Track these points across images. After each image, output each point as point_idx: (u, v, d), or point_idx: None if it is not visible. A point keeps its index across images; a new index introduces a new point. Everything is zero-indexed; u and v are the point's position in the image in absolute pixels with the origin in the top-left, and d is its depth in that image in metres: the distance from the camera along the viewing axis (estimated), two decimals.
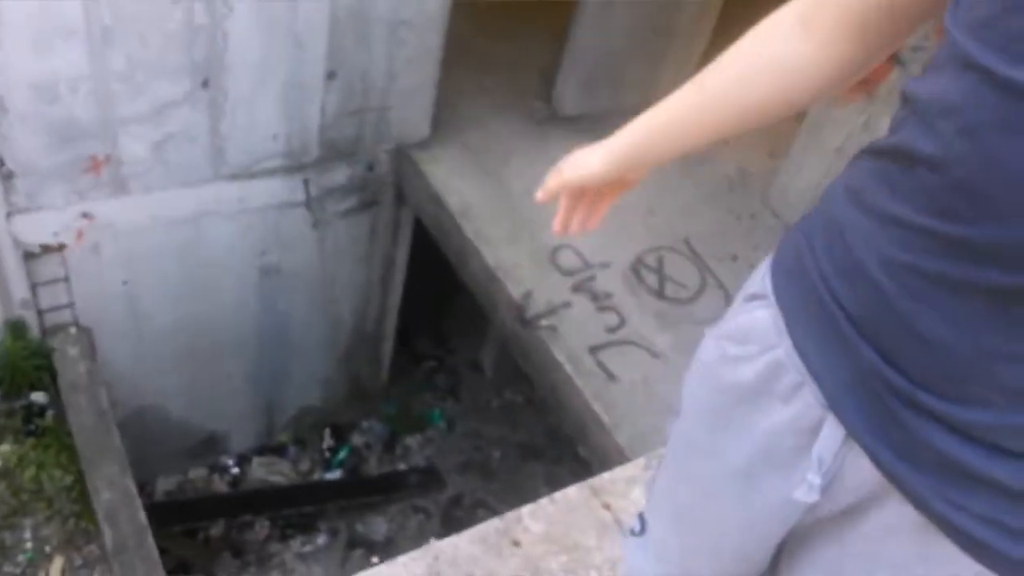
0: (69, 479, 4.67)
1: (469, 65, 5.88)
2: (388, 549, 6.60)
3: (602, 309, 4.63)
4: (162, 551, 4.45)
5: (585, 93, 5.67)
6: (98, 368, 5.02)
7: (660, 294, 4.78)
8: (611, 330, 4.53)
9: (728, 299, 4.84)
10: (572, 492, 2.30)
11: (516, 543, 2.13)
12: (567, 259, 4.83)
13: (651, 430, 4.11)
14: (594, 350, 4.40)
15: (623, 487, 2.33)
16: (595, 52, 5.47)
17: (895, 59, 4.56)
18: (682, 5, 5.48)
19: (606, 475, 2.34)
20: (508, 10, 6.51)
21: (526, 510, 2.21)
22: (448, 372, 7.65)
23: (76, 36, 3.84)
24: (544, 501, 2.27)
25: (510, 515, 2.19)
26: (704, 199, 5.47)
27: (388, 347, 6.70)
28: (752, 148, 5.92)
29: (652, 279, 4.86)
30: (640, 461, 2.37)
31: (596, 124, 5.73)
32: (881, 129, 4.18)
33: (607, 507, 2.26)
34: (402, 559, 2.08)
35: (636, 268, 4.89)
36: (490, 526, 2.16)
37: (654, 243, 5.06)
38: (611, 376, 4.29)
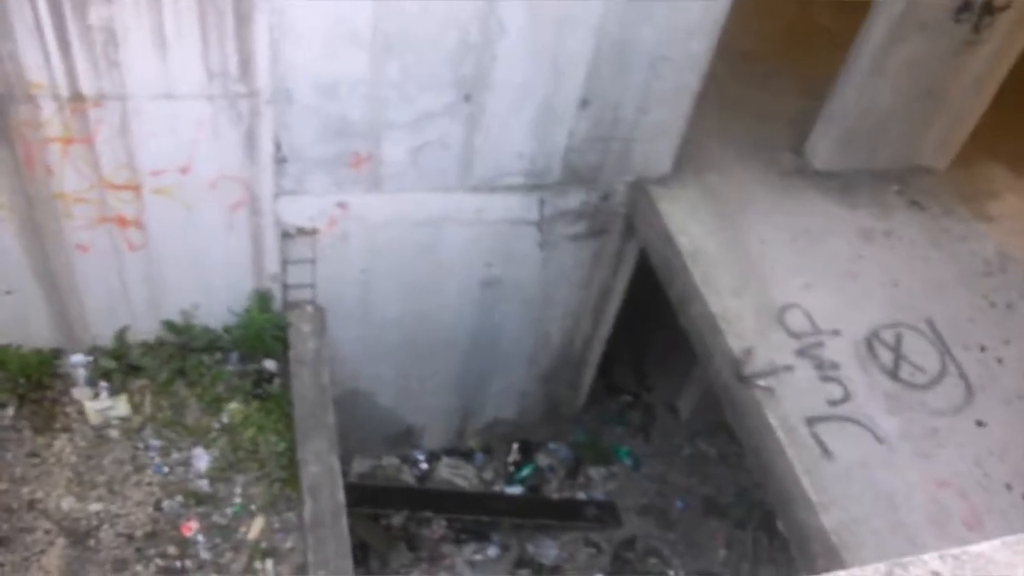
0: (283, 445, 5.04)
1: (719, 108, 5.79)
2: (556, 573, 6.62)
3: (826, 379, 4.39)
4: (349, 530, 4.67)
5: (840, 149, 5.42)
6: (325, 346, 5.38)
7: (894, 374, 4.47)
8: (833, 403, 4.29)
9: (970, 392, 4.45)
10: None
11: None
12: (796, 320, 4.63)
13: (862, 519, 3.85)
14: (811, 421, 4.18)
15: None
16: (859, 109, 5.22)
17: None
18: (961, 74, 5.10)
19: (842, 574, 2.17)
20: (765, 58, 6.36)
21: None
22: (643, 410, 7.55)
23: (362, 44, 4.17)
24: None
25: None
26: (956, 279, 5.05)
27: (589, 374, 6.72)
28: (1019, 232, 5.41)
29: (887, 356, 4.55)
30: (881, 567, 2.18)
31: (846, 183, 5.51)
32: None
33: None
34: None
35: (870, 342, 4.60)
36: None
37: (894, 318, 4.74)
38: (827, 452, 4.06)
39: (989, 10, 4.87)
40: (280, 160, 4.61)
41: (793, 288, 4.78)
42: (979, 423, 4.31)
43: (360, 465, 6.88)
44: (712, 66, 4.76)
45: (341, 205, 4.91)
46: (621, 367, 7.56)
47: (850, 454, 4.07)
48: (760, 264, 4.88)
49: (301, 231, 5.03)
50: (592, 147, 4.97)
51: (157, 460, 4.91)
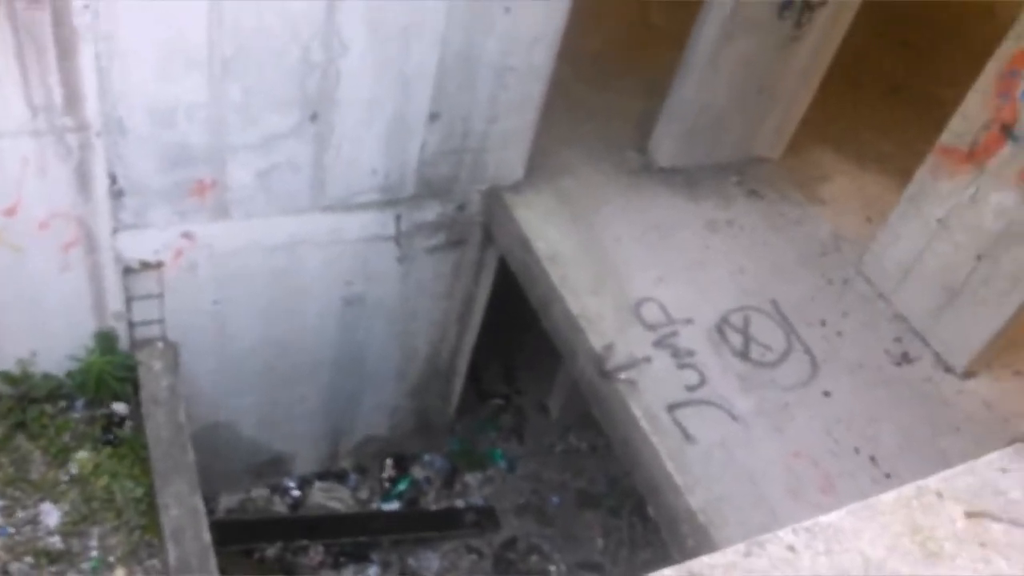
0: (140, 491, 4.82)
1: (568, 112, 5.97)
2: None
3: (683, 367, 4.62)
4: (220, 570, 4.51)
5: (682, 146, 5.71)
6: (179, 383, 5.17)
7: (744, 355, 4.75)
8: (691, 388, 4.52)
9: (815, 365, 4.79)
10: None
11: None
12: (651, 313, 4.85)
13: (726, 497, 4.07)
14: (672, 408, 4.39)
15: (723, 573, 2.29)
16: (697, 107, 5.52)
17: (1009, 135, 4.50)
18: (788, 68, 5.48)
19: (705, 559, 2.31)
20: (608, 59, 6.60)
21: None
22: (514, 412, 7.68)
23: (198, 65, 4.05)
24: None
25: None
26: (795, 261, 5.42)
27: (459, 383, 6.77)
28: (849, 212, 5.87)
29: (737, 339, 4.83)
30: (740, 547, 2.33)
31: (689, 178, 5.81)
32: (988, 203, 4.11)
33: None
34: None
35: (721, 327, 4.87)
36: None
37: (741, 302, 5.04)
38: (688, 436, 4.28)
39: (809, 6, 5.25)
40: (117, 194, 4.40)
41: (647, 282, 5.00)
42: (825, 393, 4.65)
43: (228, 501, 6.65)
44: (557, 70, 4.90)
45: (187, 235, 4.73)
46: (491, 372, 7.66)
47: (710, 435, 4.30)
48: (615, 262, 5.07)
49: (145, 265, 4.82)
50: (445, 159, 5.02)
51: (0, 522, 4.58)
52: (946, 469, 2.69)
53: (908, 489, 2.65)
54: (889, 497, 2.63)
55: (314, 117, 4.47)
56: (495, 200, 5.35)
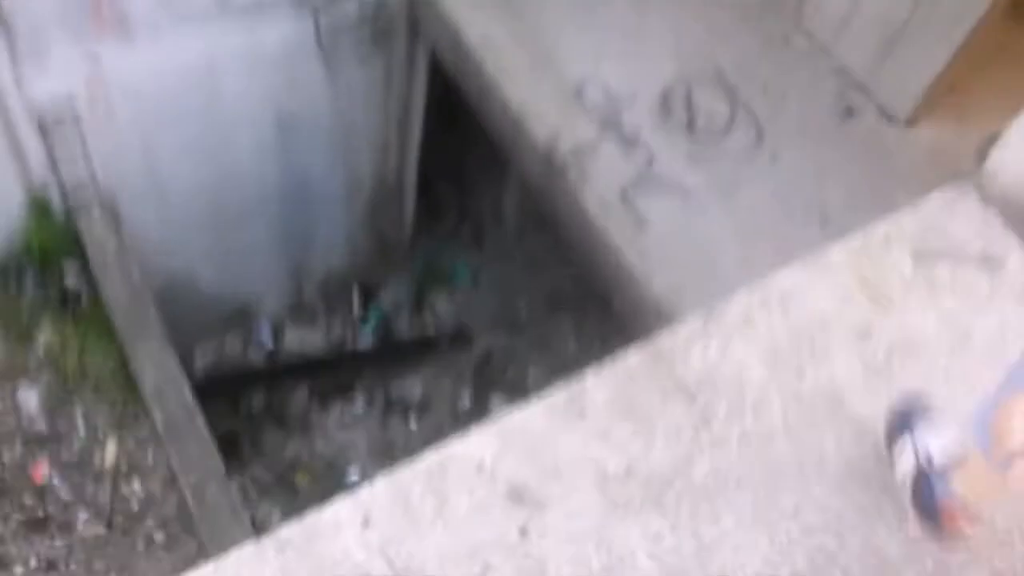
0: (111, 363, 4.73)
1: None
2: (424, 410, 6.78)
3: (630, 146, 4.50)
4: (208, 425, 4.54)
5: None
6: (126, 241, 5.00)
7: (691, 128, 4.63)
8: (640, 169, 4.42)
9: (760, 132, 4.70)
10: (633, 358, 2.30)
11: (582, 414, 2.16)
12: (593, 94, 4.65)
13: (687, 280, 4.08)
14: (623, 193, 4.31)
15: (683, 346, 2.32)
16: None
17: None
18: None
19: (665, 337, 2.33)
20: None
21: (590, 381, 2.22)
22: (472, 221, 7.57)
23: None
24: (606, 368, 2.27)
25: (575, 386, 2.21)
26: (736, 20, 5.17)
27: (410, 200, 6.64)
28: None
29: (681, 111, 4.69)
30: (699, 322, 2.35)
31: None
32: None
33: (670, 371, 2.26)
34: (475, 436, 2.12)
35: (665, 100, 4.71)
36: (557, 399, 2.19)
37: (683, 71, 4.85)
38: (642, 221, 4.22)
39: None
40: (9, 33, 3.98)
41: (586, 61, 4.77)
42: (773, 158, 4.59)
43: (203, 359, 6.61)
44: None
45: (95, 74, 4.37)
46: (442, 185, 7.49)
47: (663, 216, 4.26)
48: (551, 44, 4.82)
49: (58, 122, 4.49)
50: None
51: None
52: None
53: (856, 239, 2.66)
54: (839, 248, 2.64)
55: None
56: None
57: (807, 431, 2.25)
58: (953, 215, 2.72)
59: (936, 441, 2.02)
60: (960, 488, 1.95)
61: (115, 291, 4.79)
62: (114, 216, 5.02)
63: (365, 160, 6.01)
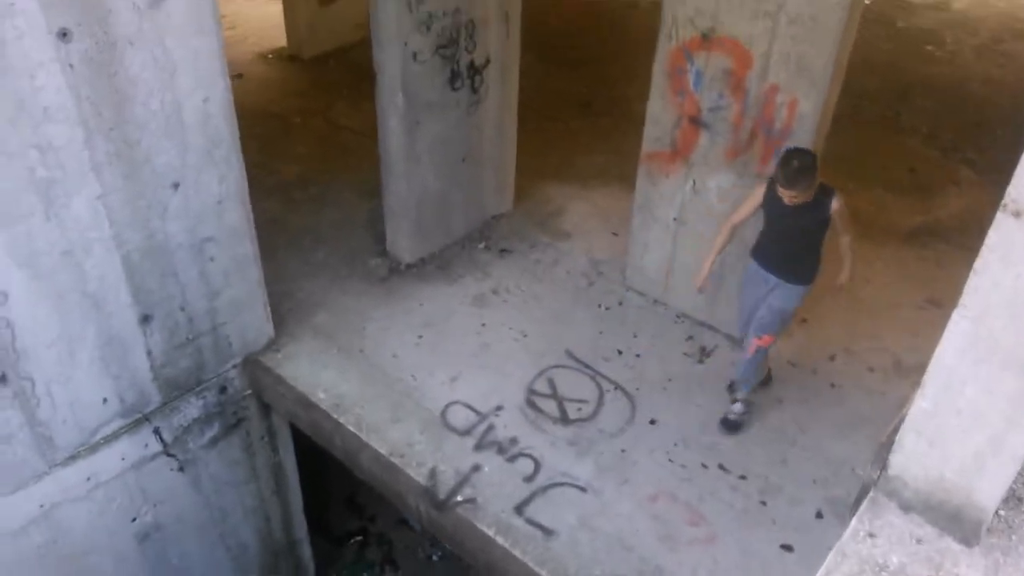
0: None
1: (292, 248, 5.34)
2: None
3: (513, 459, 4.10)
4: None
5: (418, 238, 5.25)
6: None
7: (564, 419, 4.31)
8: (529, 479, 4.00)
9: (629, 399, 4.43)
10: None
11: None
12: (458, 416, 4.30)
13: (609, 573, 3.58)
14: (520, 508, 3.85)
15: None
16: (414, 198, 5.08)
17: (700, 124, 4.37)
18: (482, 129, 5.17)
19: None
20: (313, 179, 6.04)
21: None
22: (377, 542, 6.85)
23: None
24: None
25: None
26: (570, 302, 5.09)
27: (306, 549, 5.90)
28: (595, 234, 5.64)
29: (551, 405, 4.38)
30: None
31: (440, 262, 5.32)
32: (709, 190, 3.86)
33: None
34: None
35: (530, 399, 4.41)
36: None
37: (539, 366, 4.61)
38: (547, 532, 3.75)
39: (475, 69, 4.95)
40: None
41: (443, 387, 4.46)
42: (652, 422, 4.31)
43: None
44: (266, 209, 4.25)
45: None
46: (336, 516, 6.80)
47: (567, 519, 3.81)
48: (403, 379, 4.49)
49: None
50: (181, 353, 4.23)
51: None
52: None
53: None
54: None
55: (3, 378, 3.56)
56: (256, 367, 4.60)
57: None
58: (877, 544, 2.42)
59: None
60: None
61: None
62: None
63: (247, 532, 5.32)
